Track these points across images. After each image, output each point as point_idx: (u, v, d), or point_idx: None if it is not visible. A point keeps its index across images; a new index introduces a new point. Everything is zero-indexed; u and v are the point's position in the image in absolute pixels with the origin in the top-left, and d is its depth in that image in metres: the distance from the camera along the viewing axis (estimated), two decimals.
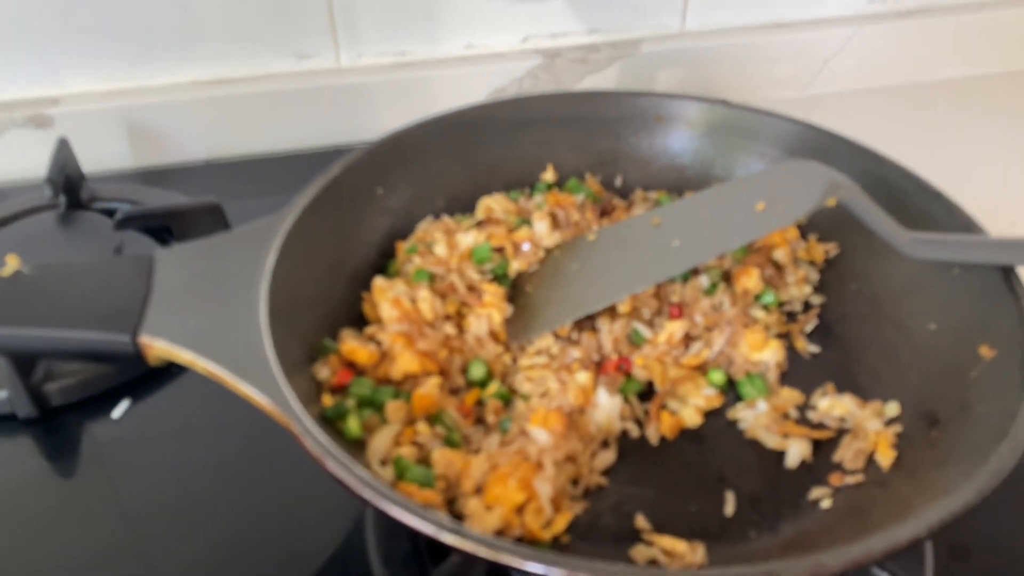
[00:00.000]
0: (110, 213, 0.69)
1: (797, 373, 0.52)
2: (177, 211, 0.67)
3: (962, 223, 0.49)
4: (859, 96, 0.92)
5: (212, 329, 0.42)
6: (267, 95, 0.81)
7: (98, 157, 0.77)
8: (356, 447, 0.44)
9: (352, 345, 0.48)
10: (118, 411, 0.56)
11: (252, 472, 0.52)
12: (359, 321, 0.53)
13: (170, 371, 0.59)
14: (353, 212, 0.55)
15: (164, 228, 0.69)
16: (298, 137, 0.83)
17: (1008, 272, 0.45)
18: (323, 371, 0.47)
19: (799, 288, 0.55)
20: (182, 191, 0.74)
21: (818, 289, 0.56)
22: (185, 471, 0.53)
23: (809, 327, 0.54)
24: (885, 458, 0.45)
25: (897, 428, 0.46)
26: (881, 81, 0.94)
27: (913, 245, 0.46)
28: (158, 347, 0.41)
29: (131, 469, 0.53)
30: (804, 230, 0.58)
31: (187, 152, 0.81)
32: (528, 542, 0.41)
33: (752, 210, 0.48)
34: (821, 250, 0.57)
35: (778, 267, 0.56)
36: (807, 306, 0.56)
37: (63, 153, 0.71)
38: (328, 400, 0.45)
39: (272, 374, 0.40)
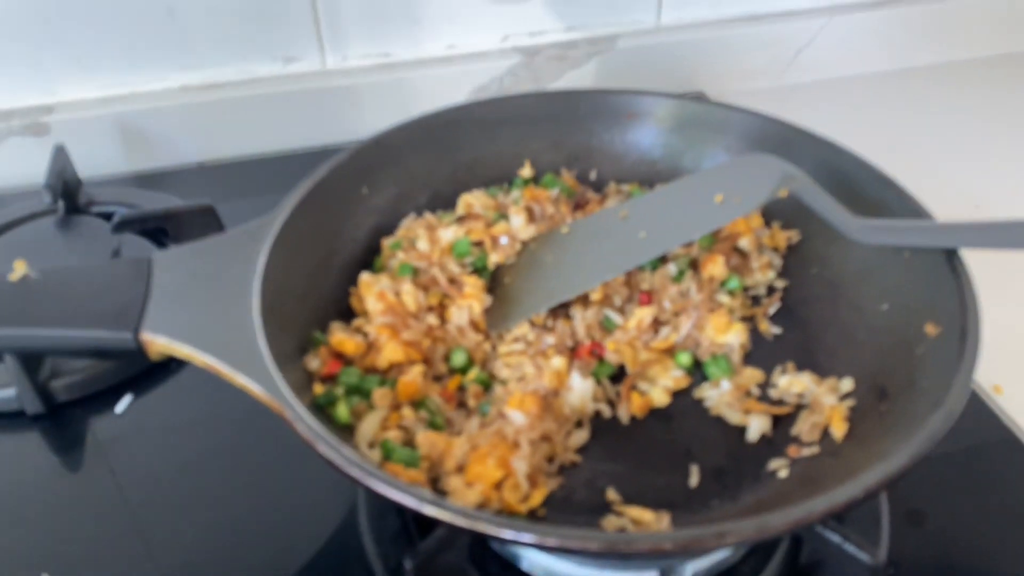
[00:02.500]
0: (107, 216, 0.72)
1: (760, 353, 0.55)
2: (172, 213, 0.70)
3: (911, 209, 0.52)
4: (832, 84, 0.95)
5: (209, 325, 0.45)
6: (255, 98, 0.84)
7: (93, 162, 0.80)
8: (346, 432, 0.47)
9: (340, 337, 0.51)
10: (121, 406, 0.59)
11: (250, 460, 0.55)
12: (347, 314, 0.56)
13: (170, 367, 0.61)
14: (340, 211, 0.58)
15: (160, 230, 0.71)
16: (286, 138, 0.86)
17: (951, 254, 0.48)
18: (313, 362, 0.50)
19: (763, 273, 0.58)
20: (176, 193, 0.76)
21: (781, 274, 0.59)
22: (186, 462, 0.55)
23: (772, 310, 0.58)
24: (838, 430, 0.48)
25: (850, 402, 0.50)
26: (852, 70, 0.97)
27: (862, 231, 0.49)
28: (159, 343, 0.44)
29: (134, 461, 0.56)
30: (768, 218, 0.61)
31: (179, 155, 0.84)
32: (506, 515, 0.44)
33: (711, 202, 0.51)
34: (784, 237, 0.60)
35: (743, 254, 0.59)
36: (771, 290, 0.59)
37: (60, 160, 0.74)
38: (318, 388, 0.48)
39: (265, 365, 0.43)
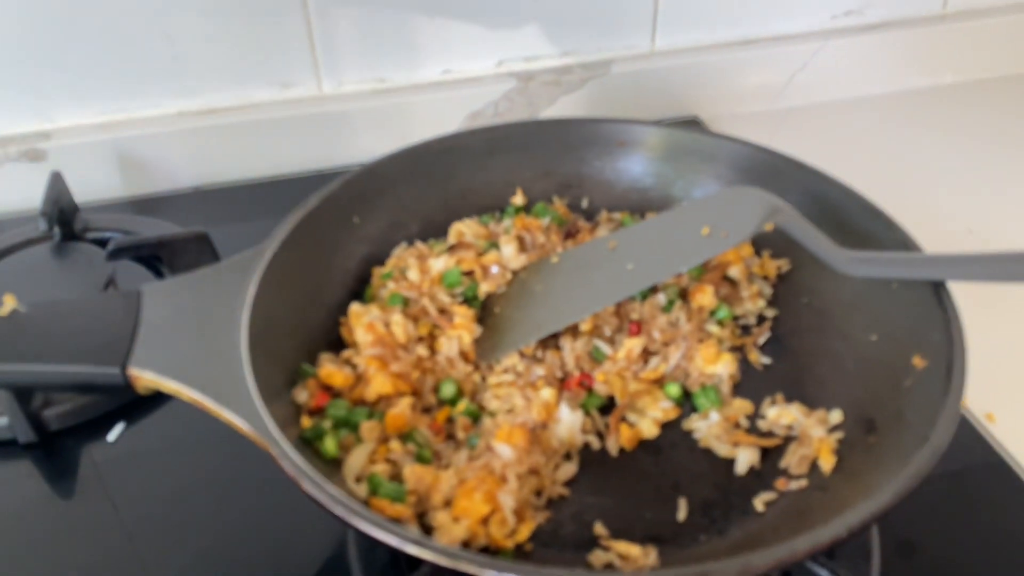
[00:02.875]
0: (103, 243, 0.72)
1: (750, 384, 0.55)
2: (166, 241, 0.70)
3: (899, 240, 0.52)
4: (826, 108, 0.96)
5: (196, 359, 0.45)
6: (252, 123, 0.84)
7: (90, 187, 0.80)
8: (333, 465, 0.48)
9: (329, 369, 0.51)
10: (113, 434, 0.59)
11: (241, 488, 0.55)
12: (337, 345, 0.56)
13: (161, 396, 0.61)
14: (331, 241, 0.58)
15: (154, 256, 0.72)
16: (282, 163, 0.86)
17: (938, 287, 0.48)
18: (302, 395, 0.50)
19: (753, 302, 0.58)
20: (172, 218, 0.77)
21: (771, 303, 0.59)
22: (177, 490, 0.55)
23: (762, 339, 0.58)
24: (827, 463, 0.48)
25: (839, 435, 0.49)
26: (847, 93, 0.97)
27: (849, 263, 0.50)
28: (146, 378, 0.44)
29: (127, 489, 0.56)
30: (758, 247, 0.61)
31: (176, 180, 0.85)
32: (493, 550, 0.44)
33: (698, 234, 0.51)
34: (774, 266, 0.60)
35: (733, 283, 0.59)
36: (761, 319, 0.59)
37: (57, 186, 0.74)
38: (306, 422, 0.48)
39: (252, 401, 0.43)
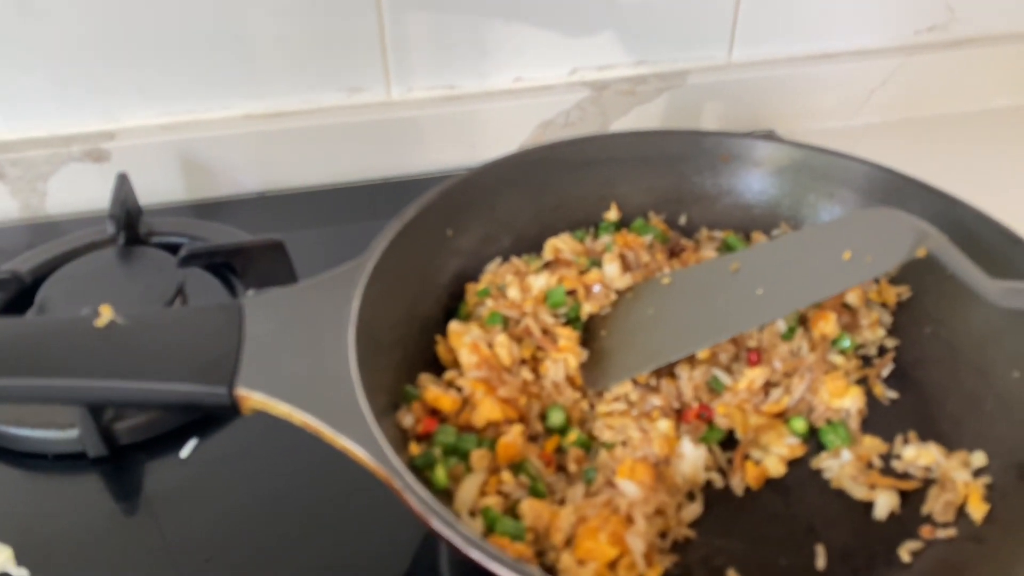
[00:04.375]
0: (168, 247, 0.69)
1: (876, 420, 0.52)
2: (240, 248, 0.67)
3: None
4: (906, 126, 0.92)
5: (304, 379, 0.42)
6: (319, 128, 0.82)
7: (152, 190, 0.78)
8: (442, 495, 0.44)
9: (435, 392, 0.48)
10: (186, 450, 0.56)
11: (317, 512, 0.52)
12: (431, 366, 0.53)
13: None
14: (425, 254, 0.55)
15: (225, 264, 0.69)
16: (349, 170, 0.83)
17: None
18: (407, 418, 0.47)
19: (873, 331, 0.55)
20: (235, 224, 0.74)
21: (891, 332, 0.56)
22: (250, 512, 0.53)
23: (886, 371, 0.54)
24: (977, 511, 0.45)
25: (986, 479, 0.46)
26: (928, 111, 0.94)
27: (1004, 295, 0.46)
28: (254, 399, 0.41)
29: (199, 508, 0.53)
30: None
31: (240, 185, 0.82)
32: None
33: (838, 259, 0.47)
34: (893, 292, 0.56)
35: (851, 311, 0.55)
36: (882, 350, 0.55)
37: (123, 188, 0.72)
38: (415, 449, 0.45)
39: (367, 425, 0.40)
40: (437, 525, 0.36)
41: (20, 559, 0.49)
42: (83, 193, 0.77)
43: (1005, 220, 0.52)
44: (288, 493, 0.54)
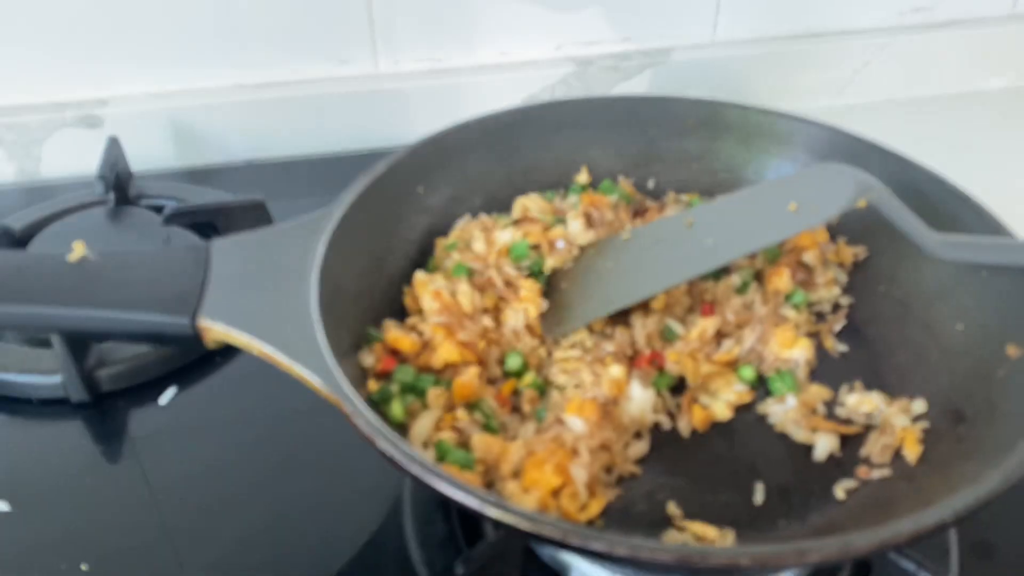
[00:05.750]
0: (157, 209, 0.72)
1: (826, 371, 0.53)
2: (223, 207, 0.69)
3: (991, 226, 0.50)
4: (890, 106, 0.93)
5: (267, 314, 0.44)
6: (307, 99, 0.83)
7: (144, 156, 0.80)
8: (398, 431, 0.46)
9: (396, 334, 0.50)
10: (165, 398, 0.58)
11: (293, 458, 0.54)
12: (398, 315, 0.55)
13: (215, 360, 0.61)
14: (395, 209, 0.57)
15: (209, 224, 0.71)
16: (336, 140, 0.85)
17: None
18: (368, 358, 0.49)
19: (828, 289, 0.56)
20: (225, 190, 0.76)
21: (847, 291, 0.57)
22: (227, 457, 0.55)
23: (838, 327, 0.56)
24: (911, 453, 0.46)
25: (924, 424, 0.47)
26: (915, 91, 0.94)
27: (942, 247, 0.47)
28: (216, 330, 0.43)
29: (176, 454, 0.55)
30: (833, 233, 0.59)
31: (229, 153, 0.84)
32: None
33: (785, 210, 0.49)
34: (850, 252, 0.58)
35: (808, 269, 0.57)
36: (836, 307, 0.57)
37: (113, 152, 0.74)
38: (373, 385, 0.47)
39: (324, 358, 0.42)
40: (383, 445, 0.38)
41: (2, 495, 0.51)
42: (77, 158, 0.79)
43: (989, 201, 0.53)
44: (265, 441, 0.55)
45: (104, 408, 0.58)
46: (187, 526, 0.50)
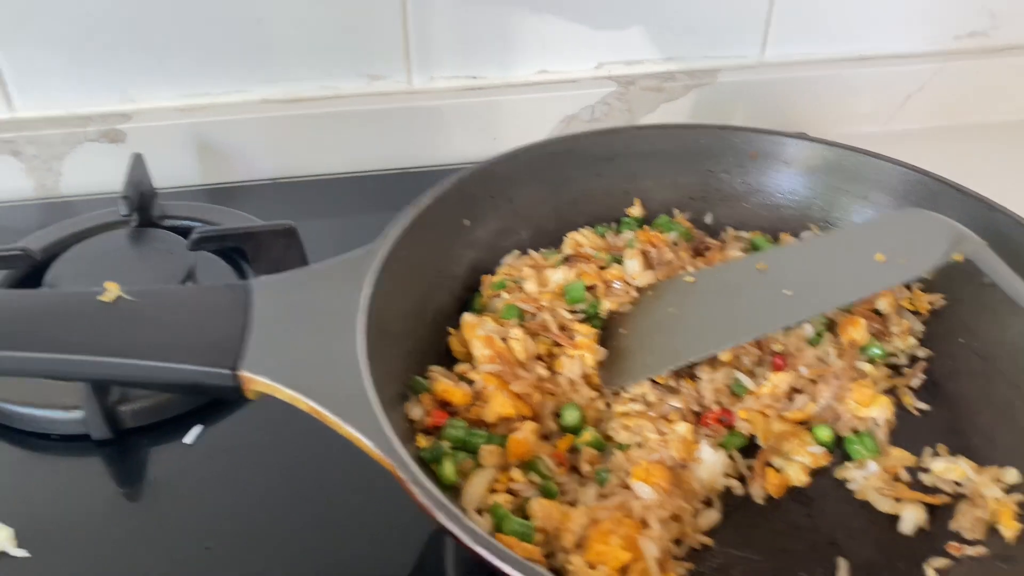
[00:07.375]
0: (180, 231, 0.68)
1: (905, 431, 0.50)
2: (252, 233, 0.66)
3: None
4: (943, 133, 0.90)
5: (311, 364, 0.41)
6: (337, 115, 0.80)
7: (166, 173, 0.77)
8: (449, 491, 0.43)
9: (445, 384, 0.46)
10: (191, 436, 0.55)
11: (324, 498, 0.51)
12: (442, 358, 0.51)
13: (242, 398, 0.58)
14: (440, 244, 0.54)
15: (236, 250, 0.68)
16: (367, 158, 0.82)
17: None
18: (415, 410, 0.45)
19: (903, 340, 0.53)
20: (249, 210, 0.73)
21: (923, 342, 0.54)
22: (256, 499, 0.52)
23: (916, 382, 0.52)
24: (1009, 529, 0.42)
25: (1019, 497, 0.44)
26: (966, 119, 0.91)
27: None
28: (259, 382, 0.40)
29: (201, 496, 0.52)
30: None
31: (255, 170, 0.81)
32: None
33: (870, 261, 0.45)
34: (926, 300, 0.54)
35: (881, 317, 0.53)
36: (913, 360, 0.53)
37: (138, 169, 0.71)
38: (422, 441, 0.44)
39: (373, 414, 0.39)
40: (442, 519, 0.35)
41: (21, 540, 0.49)
42: (98, 174, 0.77)
43: None
44: (292, 484, 0.52)
45: (127, 446, 0.55)
46: (212, 566, 0.48)
